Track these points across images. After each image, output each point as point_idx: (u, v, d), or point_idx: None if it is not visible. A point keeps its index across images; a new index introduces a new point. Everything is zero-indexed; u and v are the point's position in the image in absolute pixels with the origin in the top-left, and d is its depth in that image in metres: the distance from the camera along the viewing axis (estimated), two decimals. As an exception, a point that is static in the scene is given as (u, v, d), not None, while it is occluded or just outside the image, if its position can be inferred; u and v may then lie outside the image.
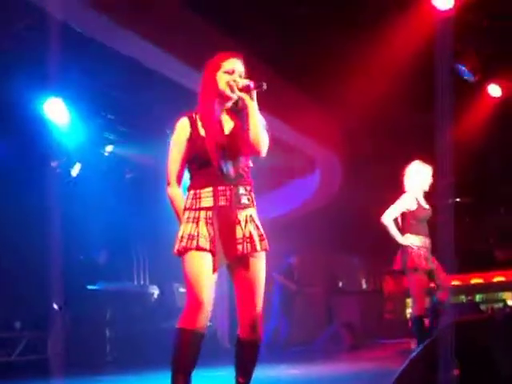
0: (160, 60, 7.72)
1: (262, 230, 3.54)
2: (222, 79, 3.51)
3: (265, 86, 3.44)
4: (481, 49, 8.72)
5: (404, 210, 6.43)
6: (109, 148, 10.36)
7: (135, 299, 10.05)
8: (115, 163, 10.63)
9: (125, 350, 9.27)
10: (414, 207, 6.42)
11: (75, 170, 9.95)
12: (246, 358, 3.59)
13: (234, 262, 3.50)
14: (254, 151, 3.53)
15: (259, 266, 3.53)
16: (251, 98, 3.48)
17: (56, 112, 8.80)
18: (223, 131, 3.53)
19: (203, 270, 3.42)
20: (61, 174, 9.51)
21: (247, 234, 3.47)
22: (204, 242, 3.41)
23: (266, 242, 3.52)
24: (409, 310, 17.15)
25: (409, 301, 16.88)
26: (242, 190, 3.51)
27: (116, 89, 8.61)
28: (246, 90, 3.48)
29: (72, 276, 8.85)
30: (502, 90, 10.09)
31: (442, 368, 2.80)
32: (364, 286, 18.07)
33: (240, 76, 3.54)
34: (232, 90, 3.51)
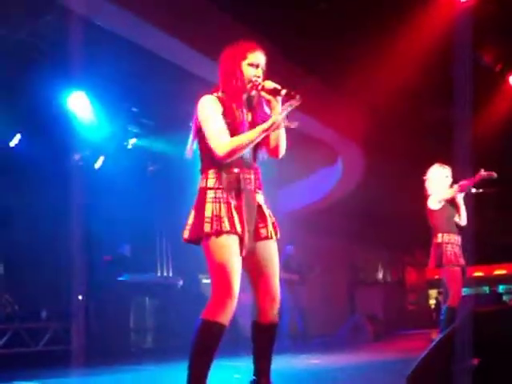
0: (183, 53, 7.78)
1: (272, 217, 3.54)
2: (246, 71, 3.47)
3: (298, 98, 3.33)
4: (502, 39, 8.66)
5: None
6: (132, 141, 10.41)
7: (159, 290, 10.11)
8: (138, 156, 10.67)
9: (148, 340, 9.37)
10: (439, 206, 6.53)
11: (98, 163, 10.05)
12: (269, 342, 3.52)
13: (255, 246, 3.44)
14: (273, 153, 3.56)
15: (276, 250, 3.51)
16: (277, 101, 3.43)
17: (79, 106, 8.89)
18: (245, 120, 3.49)
19: (235, 257, 3.31)
20: (84, 167, 9.58)
21: (268, 219, 3.48)
22: (236, 225, 3.30)
23: (276, 231, 3.51)
24: (432, 301, 17.15)
25: (432, 292, 16.92)
26: (258, 175, 3.51)
27: (139, 82, 8.65)
28: (272, 93, 3.44)
29: (96, 268, 8.97)
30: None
31: (458, 359, 2.82)
32: (386, 277, 18.05)
33: (262, 71, 3.51)
34: (255, 88, 3.48)
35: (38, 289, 8.58)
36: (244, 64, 3.49)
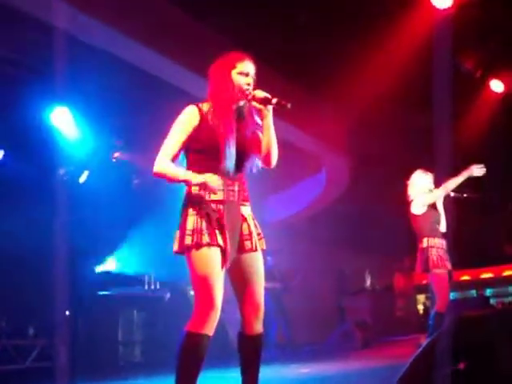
0: (165, 67, 7.79)
1: (258, 228, 3.55)
2: (236, 80, 3.48)
3: (289, 106, 3.39)
4: (482, 45, 8.75)
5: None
6: (116, 155, 10.38)
7: (147, 303, 10.08)
8: (123, 170, 10.65)
9: (137, 354, 9.33)
10: (422, 211, 6.57)
11: (83, 178, 10.02)
12: (255, 352, 3.53)
13: (239, 258, 3.46)
14: (266, 162, 3.57)
15: (261, 261, 3.54)
16: (268, 110, 3.46)
17: (63, 121, 8.87)
18: (234, 130, 3.47)
19: (216, 269, 3.32)
20: (68, 182, 9.54)
21: (253, 231, 3.49)
22: (218, 238, 3.31)
23: (263, 241, 3.54)
24: (420, 307, 17.17)
25: (420, 297, 16.94)
26: (244, 187, 3.52)
27: (123, 96, 8.65)
28: (263, 102, 3.45)
29: (82, 283, 8.93)
30: (505, 85, 10.12)
31: (442, 363, 2.84)
32: (374, 283, 18.06)
33: (252, 79, 3.53)
34: (245, 97, 3.49)
35: (24, 305, 8.52)
36: (234, 73, 3.50)
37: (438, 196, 6.59)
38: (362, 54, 8.34)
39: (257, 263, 3.52)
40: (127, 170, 10.89)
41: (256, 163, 3.59)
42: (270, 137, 3.51)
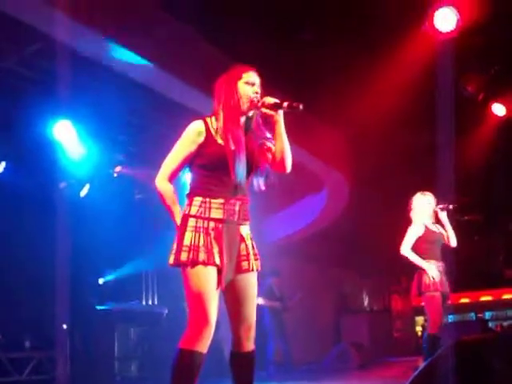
0: (167, 83, 7.81)
1: (255, 248, 3.54)
2: (243, 90, 3.47)
3: (301, 108, 3.38)
4: (484, 68, 8.79)
5: (415, 237, 6.60)
6: (118, 169, 10.38)
7: (144, 319, 10.06)
8: (124, 184, 10.65)
9: (133, 369, 9.31)
10: (421, 232, 6.59)
11: (84, 191, 10.02)
12: (247, 370, 3.51)
13: (235, 278, 3.44)
14: (280, 168, 3.55)
15: (255, 282, 3.52)
16: (279, 115, 3.45)
17: (65, 134, 8.88)
18: (244, 143, 3.44)
19: (212, 287, 3.29)
20: (69, 195, 9.54)
21: (251, 251, 3.47)
22: (215, 257, 3.29)
23: (259, 263, 3.53)
24: (418, 328, 17.12)
25: (418, 319, 16.89)
26: (247, 206, 3.49)
27: (125, 110, 8.68)
28: (274, 107, 3.43)
29: (81, 296, 8.91)
30: (507, 109, 10.15)
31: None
32: (372, 304, 18.03)
33: (259, 89, 3.51)
34: (254, 106, 3.47)
35: (21, 318, 8.51)
36: (240, 83, 3.49)
37: (409, 254, 6.60)
38: (364, 75, 8.37)
39: (250, 283, 3.50)
40: (129, 185, 10.89)
41: (265, 174, 3.57)
42: (283, 142, 3.50)
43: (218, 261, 3.31)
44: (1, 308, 8.39)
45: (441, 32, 7.45)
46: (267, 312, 10.85)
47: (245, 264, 3.45)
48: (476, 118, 10.25)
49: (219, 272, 3.34)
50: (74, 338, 8.76)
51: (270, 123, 3.53)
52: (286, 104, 3.40)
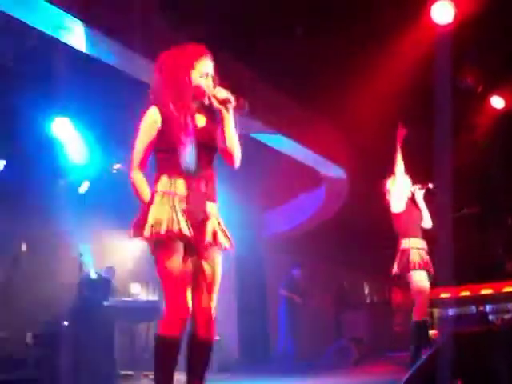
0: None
1: (224, 226, 3.50)
2: (197, 82, 3.47)
3: (247, 108, 3.41)
4: (482, 61, 8.77)
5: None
6: (117, 165, 10.36)
7: (145, 314, 10.04)
8: (123, 180, 10.59)
9: (134, 365, 9.30)
10: (402, 208, 6.48)
11: (83, 188, 10.01)
12: (202, 358, 3.45)
13: (198, 255, 3.42)
14: (229, 161, 3.56)
15: (220, 261, 3.48)
16: (227, 110, 3.45)
17: (64, 131, 8.87)
18: (196, 126, 3.47)
19: (181, 265, 3.30)
20: (69, 192, 9.53)
21: (216, 229, 3.43)
22: (186, 229, 3.27)
23: (229, 240, 3.48)
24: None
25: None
26: (212, 185, 3.48)
27: (123, 107, 8.65)
28: (223, 103, 3.44)
29: (82, 293, 8.90)
30: (505, 102, 10.13)
31: (437, 381, 2.82)
32: (372, 298, 18.02)
33: (212, 78, 3.51)
34: (205, 97, 3.49)
35: (21, 315, 8.50)
36: (194, 75, 3.47)
37: (400, 182, 6.49)
38: (362, 68, 8.36)
39: (215, 261, 3.46)
40: (128, 181, 10.83)
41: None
42: (230, 137, 3.49)
43: (186, 231, 3.27)
44: (2, 305, 8.40)
45: (438, 25, 7.44)
46: (285, 304, 10.83)
47: (208, 240, 3.39)
48: (474, 111, 10.24)
49: (187, 243, 3.32)
50: (74, 334, 8.75)
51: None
52: (233, 102, 3.42)
